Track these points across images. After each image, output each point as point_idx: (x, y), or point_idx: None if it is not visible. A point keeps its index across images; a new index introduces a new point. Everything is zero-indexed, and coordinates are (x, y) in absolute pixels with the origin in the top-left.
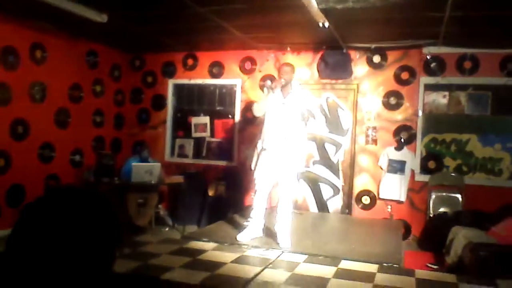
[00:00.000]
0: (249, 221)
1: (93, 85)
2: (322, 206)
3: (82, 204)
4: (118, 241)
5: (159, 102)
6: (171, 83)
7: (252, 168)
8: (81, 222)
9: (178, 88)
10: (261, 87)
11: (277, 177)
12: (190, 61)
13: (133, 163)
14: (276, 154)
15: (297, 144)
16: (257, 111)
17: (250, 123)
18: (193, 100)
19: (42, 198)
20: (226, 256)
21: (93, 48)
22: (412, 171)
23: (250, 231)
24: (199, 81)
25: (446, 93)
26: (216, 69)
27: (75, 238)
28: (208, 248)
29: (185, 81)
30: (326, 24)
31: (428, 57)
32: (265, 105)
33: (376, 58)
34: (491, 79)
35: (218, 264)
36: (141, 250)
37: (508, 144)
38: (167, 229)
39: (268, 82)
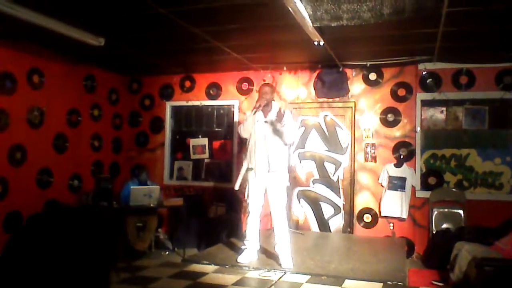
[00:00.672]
0: (245, 243)
1: (91, 109)
2: (323, 225)
3: (78, 223)
4: (114, 262)
5: (157, 124)
6: (168, 105)
7: (236, 188)
8: (76, 241)
9: (176, 110)
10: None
11: (268, 197)
12: (187, 83)
13: (132, 186)
14: (263, 172)
15: (281, 161)
16: (243, 132)
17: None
18: (191, 122)
19: (38, 216)
20: (227, 279)
21: (90, 72)
22: (413, 188)
23: (249, 253)
24: (196, 102)
25: (443, 108)
26: (214, 90)
27: (69, 257)
28: (209, 271)
29: (182, 103)
30: (321, 43)
31: (424, 73)
32: (250, 126)
33: (372, 76)
34: (488, 93)
35: (219, 287)
36: (141, 274)
37: (508, 157)
38: (167, 253)
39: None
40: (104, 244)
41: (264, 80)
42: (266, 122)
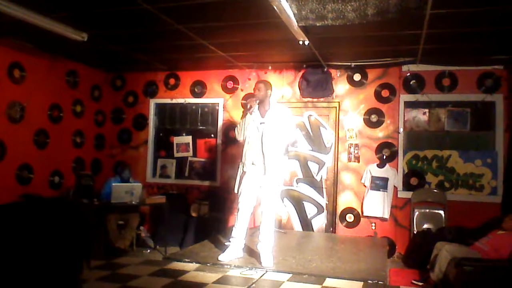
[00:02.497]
0: (230, 241)
1: (73, 105)
2: (306, 224)
3: (51, 213)
4: (86, 253)
5: (141, 122)
6: (152, 102)
7: (235, 191)
8: (49, 231)
9: (160, 108)
10: (243, 106)
11: (260, 197)
12: (172, 81)
13: (113, 183)
14: (257, 173)
15: (277, 162)
16: (238, 135)
17: (233, 142)
18: (175, 119)
19: (11, 206)
20: (208, 277)
21: (73, 67)
22: (395, 188)
23: (232, 251)
24: (181, 100)
25: (426, 110)
26: (198, 88)
27: (42, 246)
28: (190, 269)
29: (167, 100)
30: (306, 42)
31: (407, 74)
32: (245, 128)
33: (357, 76)
34: (470, 95)
35: (199, 285)
36: (120, 272)
37: (488, 159)
38: (148, 251)
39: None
40: (76, 235)
41: (249, 79)
42: (262, 123)
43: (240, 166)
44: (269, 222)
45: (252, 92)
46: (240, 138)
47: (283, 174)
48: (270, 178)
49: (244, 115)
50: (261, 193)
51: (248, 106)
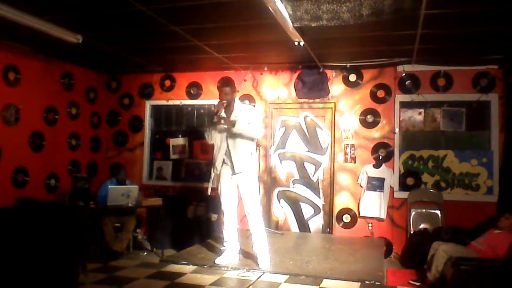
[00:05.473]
0: (224, 245)
1: (69, 108)
2: (303, 225)
3: (46, 218)
4: (81, 257)
5: (136, 124)
6: (148, 104)
7: (208, 193)
8: (44, 236)
9: (156, 110)
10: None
11: (241, 197)
12: (167, 82)
13: (109, 186)
14: (230, 173)
15: (247, 161)
16: (209, 139)
17: None
18: (171, 121)
19: (5, 210)
20: (205, 279)
21: (68, 70)
22: (391, 188)
23: (228, 255)
24: (176, 102)
25: (422, 110)
26: (194, 90)
27: (36, 251)
28: (187, 271)
29: (162, 102)
30: (302, 43)
31: (402, 75)
32: (215, 131)
33: (352, 77)
34: (465, 95)
35: (196, 287)
36: (117, 274)
37: (484, 159)
38: (145, 253)
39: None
40: (70, 239)
41: (245, 80)
42: (225, 125)
43: (212, 168)
44: (257, 221)
45: (248, 93)
46: (212, 141)
47: (255, 170)
48: (243, 177)
49: (211, 120)
50: (241, 194)
51: (216, 111)
